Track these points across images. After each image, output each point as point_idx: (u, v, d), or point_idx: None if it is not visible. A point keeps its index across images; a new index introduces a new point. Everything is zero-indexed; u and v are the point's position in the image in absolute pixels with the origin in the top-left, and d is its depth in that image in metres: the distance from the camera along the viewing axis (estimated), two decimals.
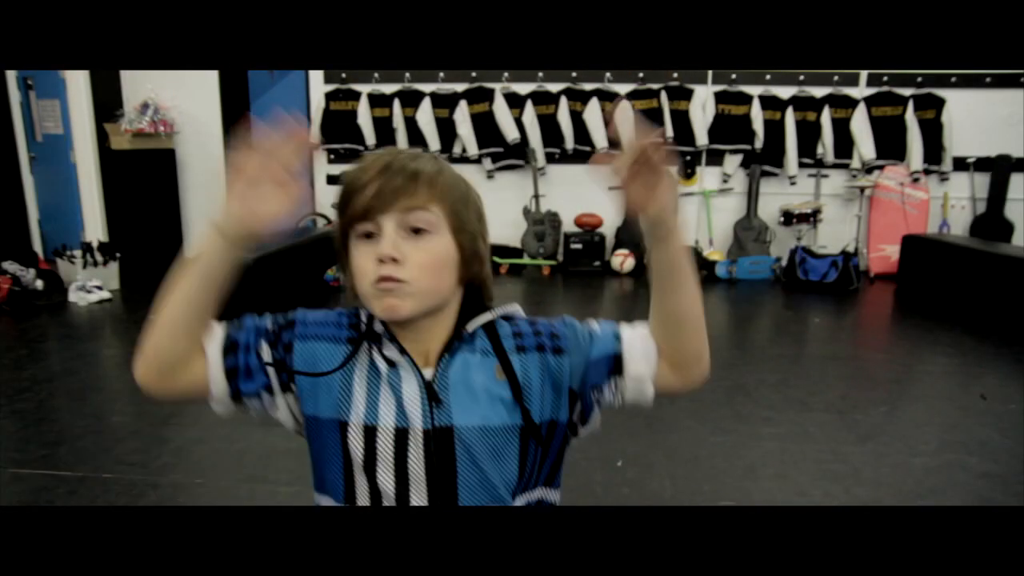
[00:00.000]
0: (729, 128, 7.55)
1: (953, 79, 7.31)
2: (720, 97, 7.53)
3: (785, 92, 7.49)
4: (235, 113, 8.14)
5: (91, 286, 6.09)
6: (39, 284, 6.15)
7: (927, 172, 7.45)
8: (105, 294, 6.13)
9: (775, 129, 7.51)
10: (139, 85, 7.74)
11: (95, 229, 7.45)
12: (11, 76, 6.38)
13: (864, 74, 7.44)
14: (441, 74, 7.67)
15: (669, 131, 7.52)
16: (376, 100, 7.72)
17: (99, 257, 6.40)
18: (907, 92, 7.36)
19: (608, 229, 7.72)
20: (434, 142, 7.68)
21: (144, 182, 7.60)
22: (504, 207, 7.76)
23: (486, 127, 7.65)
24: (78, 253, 6.35)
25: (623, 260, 7.41)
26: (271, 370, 1.08)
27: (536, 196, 7.51)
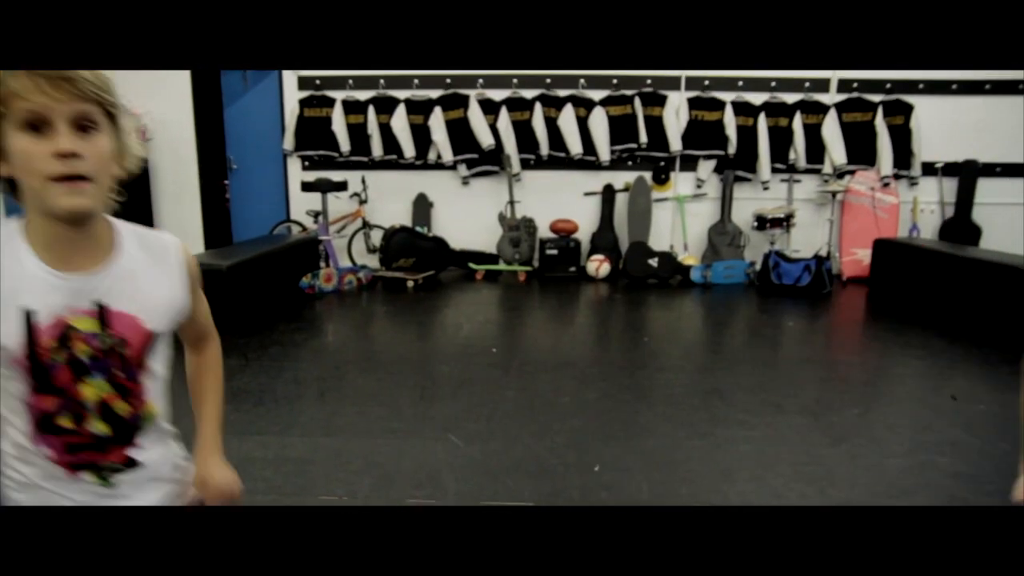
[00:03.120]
0: (702, 134, 7.62)
1: (920, 86, 7.43)
2: (693, 103, 7.60)
3: (757, 98, 7.58)
4: (208, 120, 8.07)
5: None
6: None
7: (897, 177, 7.57)
8: None
9: (748, 135, 7.59)
10: None
11: None
12: None
13: (835, 80, 7.55)
14: (416, 80, 7.66)
15: (643, 137, 7.58)
16: (350, 107, 7.69)
17: None
18: (876, 98, 7.47)
19: (583, 235, 7.75)
20: (409, 148, 7.67)
21: (116, 189, 7.51)
22: (479, 213, 7.77)
23: (461, 133, 7.65)
24: None
25: (598, 265, 7.44)
26: None
27: (511, 202, 7.51)
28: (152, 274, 1.17)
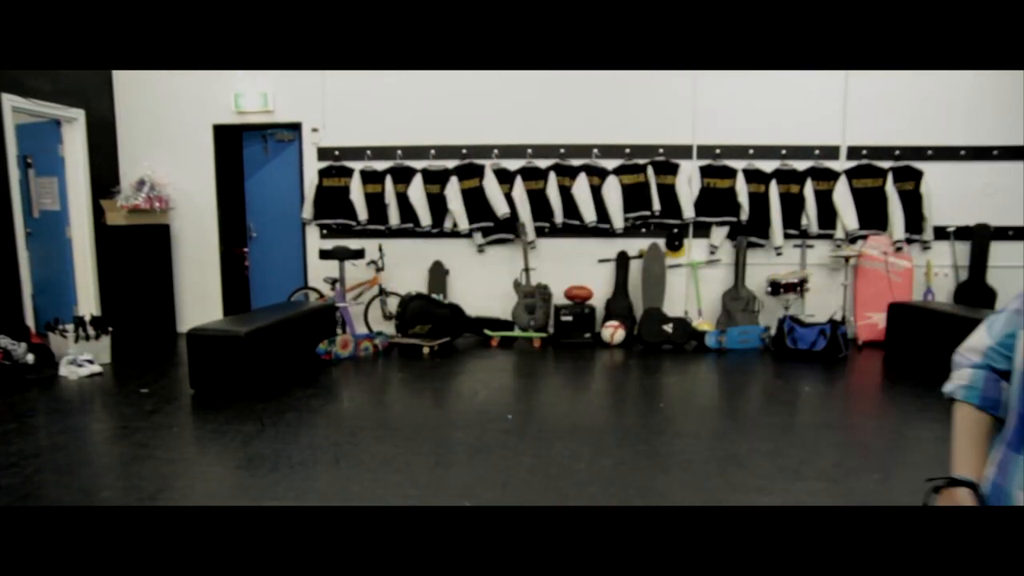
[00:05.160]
0: (715, 201, 7.72)
1: (929, 152, 7.53)
2: (705, 171, 7.72)
3: (768, 166, 7.69)
4: (229, 189, 8.28)
5: (82, 360, 6.07)
6: (30, 358, 6.13)
7: (909, 241, 7.61)
8: (96, 368, 6.11)
9: (760, 201, 7.68)
10: (136, 162, 7.90)
11: (88, 303, 7.48)
12: (11, 155, 6.50)
13: (844, 147, 7.67)
14: (432, 151, 7.85)
15: (656, 205, 7.68)
16: (368, 176, 7.87)
17: (91, 331, 6.41)
18: (886, 165, 7.57)
19: (598, 301, 7.80)
20: (425, 217, 7.81)
21: (138, 257, 7.68)
22: (495, 280, 7.86)
23: (477, 202, 7.79)
24: (70, 327, 6.35)
25: (613, 332, 7.46)
26: None
27: (526, 269, 7.60)
28: None
